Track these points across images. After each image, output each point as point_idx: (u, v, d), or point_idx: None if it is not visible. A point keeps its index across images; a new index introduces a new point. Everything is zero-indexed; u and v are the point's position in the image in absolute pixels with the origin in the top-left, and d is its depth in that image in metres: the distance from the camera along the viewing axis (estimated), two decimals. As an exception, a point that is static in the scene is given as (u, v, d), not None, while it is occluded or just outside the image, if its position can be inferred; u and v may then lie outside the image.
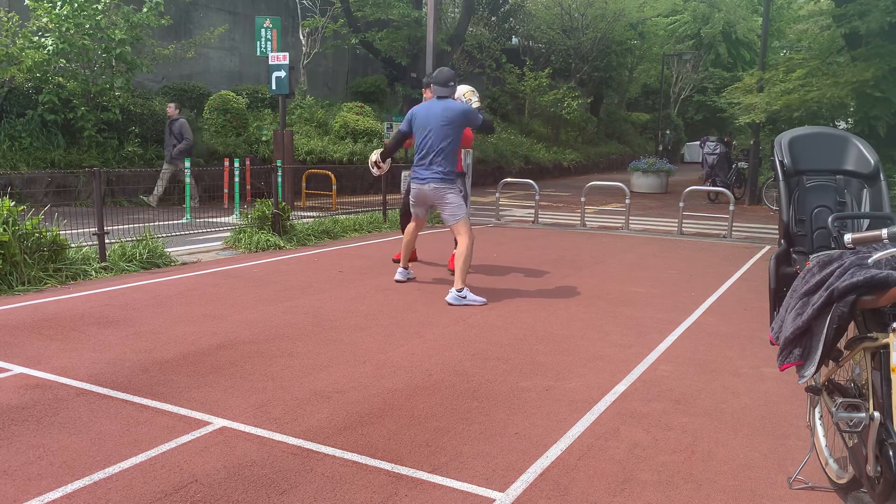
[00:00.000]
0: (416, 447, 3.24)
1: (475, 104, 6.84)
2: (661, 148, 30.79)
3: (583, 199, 11.97)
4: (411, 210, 6.66)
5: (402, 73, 22.14)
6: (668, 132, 30.67)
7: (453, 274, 7.23)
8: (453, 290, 6.11)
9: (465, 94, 7.01)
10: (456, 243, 7.27)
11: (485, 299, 6.14)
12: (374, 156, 6.90)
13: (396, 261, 7.74)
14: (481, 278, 7.20)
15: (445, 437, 3.36)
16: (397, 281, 6.84)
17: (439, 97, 6.32)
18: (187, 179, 10.90)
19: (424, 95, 6.96)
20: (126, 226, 8.40)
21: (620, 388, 4.12)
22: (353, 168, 16.11)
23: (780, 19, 30.65)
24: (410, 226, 6.76)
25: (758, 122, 16.34)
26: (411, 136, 6.45)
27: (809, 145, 3.23)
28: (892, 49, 14.33)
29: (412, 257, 7.90)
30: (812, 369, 2.61)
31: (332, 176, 12.75)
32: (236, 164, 11.43)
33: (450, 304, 6.02)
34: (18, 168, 11.17)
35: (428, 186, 6.24)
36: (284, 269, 7.36)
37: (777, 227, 3.22)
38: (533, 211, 12.56)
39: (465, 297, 6.05)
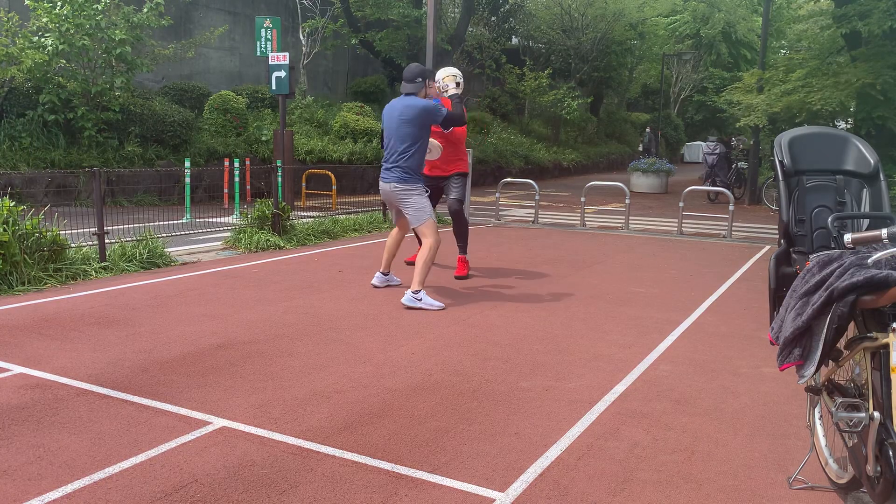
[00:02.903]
0: (416, 447, 3.24)
1: (451, 91, 6.48)
2: (640, 148, 30.37)
3: (583, 199, 11.96)
4: (392, 214, 6.40)
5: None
6: (647, 130, 30.33)
7: (460, 277, 7.14)
8: (409, 291, 5.84)
9: (445, 78, 6.60)
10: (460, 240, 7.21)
11: (443, 304, 5.88)
12: None
13: (410, 263, 7.62)
14: (481, 278, 7.19)
15: (445, 437, 3.36)
16: (374, 286, 6.52)
17: (406, 94, 6.07)
18: (187, 180, 10.89)
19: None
20: (126, 226, 8.40)
21: (620, 388, 4.12)
22: (353, 168, 16.11)
23: (779, 19, 30.66)
24: (393, 231, 6.50)
25: (759, 125, 16.34)
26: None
27: (809, 145, 3.23)
28: (892, 49, 14.33)
29: (412, 258, 7.86)
30: (812, 369, 2.61)
31: (332, 176, 12.75)
32: (236, 164, 11.44)
33: (405, 307, 5.77)
34: (18, 168, 11.17)
35: (389, 186, 6.02)
36: (284, 269, 7.36)
37: (777, 227, 3.22)
38: (533, 211, 12.56)
39: (420, 300, 5.78)
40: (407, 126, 5.94)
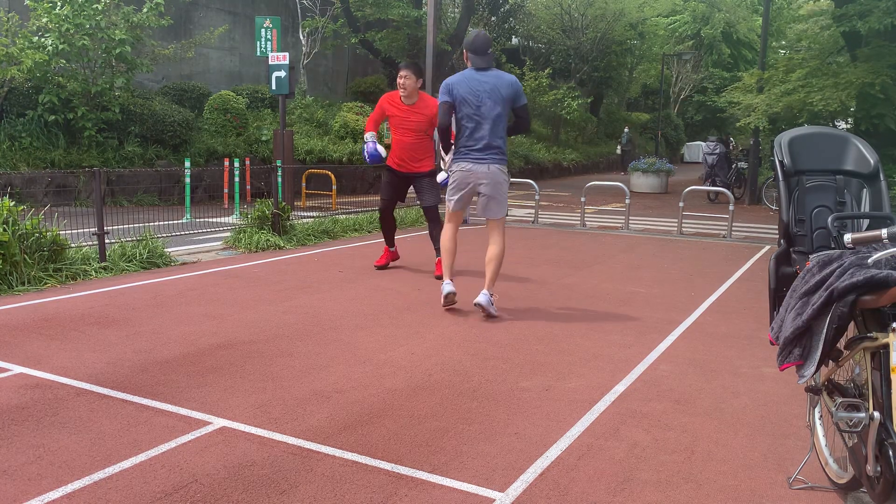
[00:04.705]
0: (416, 447, 3.24)
1: None
2: (618, 151, 30.05)
3: (583, 199, 11.97)
4: (453, 203, 5.70)
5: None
6: (625, 130, 30.04)
7: (440, 278, 6.92)
8: (486, 291, 5.53)
9: None
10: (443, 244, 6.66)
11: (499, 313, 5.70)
12: (447, 157, 5.85)
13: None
14: (481, 279, 7.17)
15: (445, 437, 3.36)
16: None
17: (479, 68, 5.52)
18: (187, 180, 10.90)
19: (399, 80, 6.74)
20: (126, 226, 8.40)
21: (620, 388, 4.12)
22: (353, 168, 16.12)
23: (780, 19, 30.68)
24: (450, 227, 5.82)
25: (759, 127, 16.35)
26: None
27: (809, 145, 3.23)
28: (893, 49, 14.34)
29: (393, 256, 7.71)
30: (812, 369, 2.61)
31: (332, 176, 12.75)
32: (236, 164, 11.44)
33: (480, 307, 5.51)
34: (18, 168, 11.18)
35: (489, 168, 5.48)
36: (284, 269, 7.36)
37: (777, 227, 3.22)
38: (533, 211, 12.56)
39: (492, 304, 5.53)
40: (505, 103, 5.50)
